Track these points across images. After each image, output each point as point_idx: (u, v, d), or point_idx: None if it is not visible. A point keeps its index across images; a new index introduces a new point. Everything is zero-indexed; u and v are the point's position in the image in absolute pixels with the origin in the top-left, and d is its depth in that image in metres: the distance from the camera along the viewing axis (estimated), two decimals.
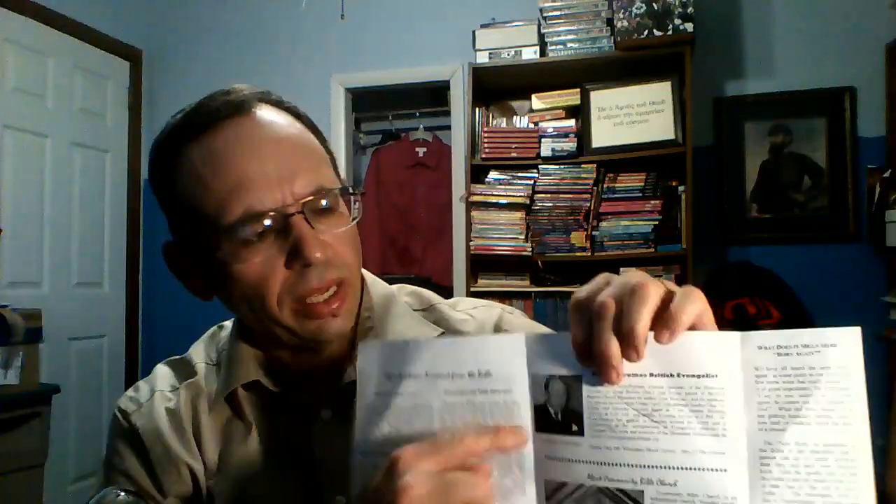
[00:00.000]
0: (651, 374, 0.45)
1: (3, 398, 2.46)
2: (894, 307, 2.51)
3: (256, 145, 0.62)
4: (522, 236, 2.78)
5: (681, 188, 2.66)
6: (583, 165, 2.75)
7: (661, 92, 2.69)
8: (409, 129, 3.90)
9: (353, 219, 0.67)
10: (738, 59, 2.95)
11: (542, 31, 2.80)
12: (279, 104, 0.68)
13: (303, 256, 0.60)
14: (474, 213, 2.84)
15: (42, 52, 3.16)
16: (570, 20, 2.77)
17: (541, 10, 2.80)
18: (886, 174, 2.59)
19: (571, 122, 2.80)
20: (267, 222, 0.60)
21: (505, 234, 2.80)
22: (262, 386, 0.70)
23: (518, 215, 2.78)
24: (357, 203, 0.67)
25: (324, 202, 0.63)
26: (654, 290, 0.44)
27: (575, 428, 0.46)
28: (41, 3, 3.11)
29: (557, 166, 2.78)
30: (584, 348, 0.45)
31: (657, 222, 2.63)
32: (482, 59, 2.87)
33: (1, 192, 2.92)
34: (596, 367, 0.45)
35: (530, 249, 2.76)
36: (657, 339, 0.44)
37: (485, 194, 2.82)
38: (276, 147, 0.63)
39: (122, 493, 0.60)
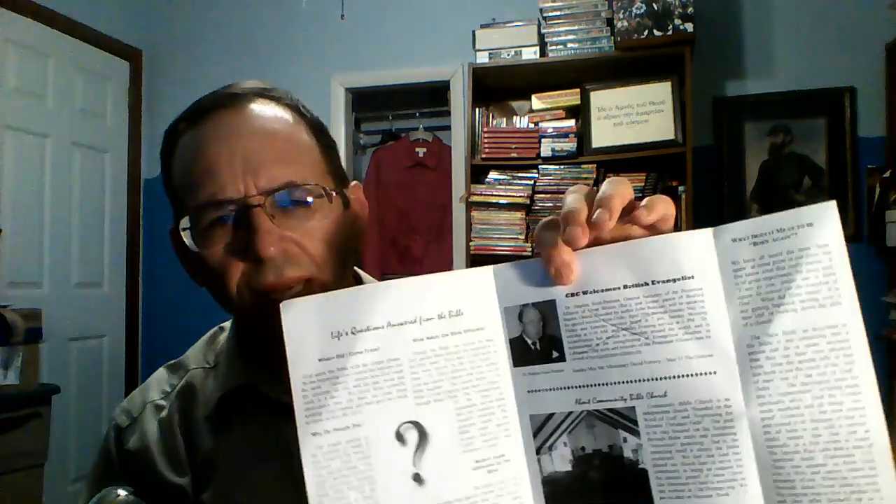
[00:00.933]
0: (625, 286, 0.43)
1: (3, 398, 2.46)
2: (894, 307, 2.51)
3: (230, 135, 0.63)
4: (522, 236, 2.78)
5: (681, 188, 2.66)
6: (583, 165, 2.75)
7: (661, 92, 2.68)
8: (409, 129, 3.90)
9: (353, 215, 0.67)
10: (738, 59, 2.95)
11: (542, 31, 2.80)
12: (278, 100, 0.68)
13: (253, 250, 0.60)
14: (474, 213, 2.84)
15: (42, 52, 3.16)
16: (570, 20, 2.77)
17: (541, 11, 2.80)
18: (886, 174, 2.59)
19: (571, 122, 2.80)
20: (226, 211, 0.61)
21: (505, 234, 2.80)
22: (257, 389, 0.69)
23: (518, 215, 2.79)
24: (331, 200, 0.64)
25: (291, 198, 0.62)
26: (630, 184, 0.45)
27: (556, 354, 0.45)
28: (41, 3, 3.11)
29: (557, 166, 2.78)
30: (553, 255, 0.43)
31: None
32: (482, 59, 2.87)
33: (1, 192, 2.92)
34: (562, 231, 0.43)
35: (530, 249, 2.76)
36: (636, 217, 0.44)
37: (485, 194, 2.82)
38: (249, 138, 0.63)
39: (123, 493, 0.60)
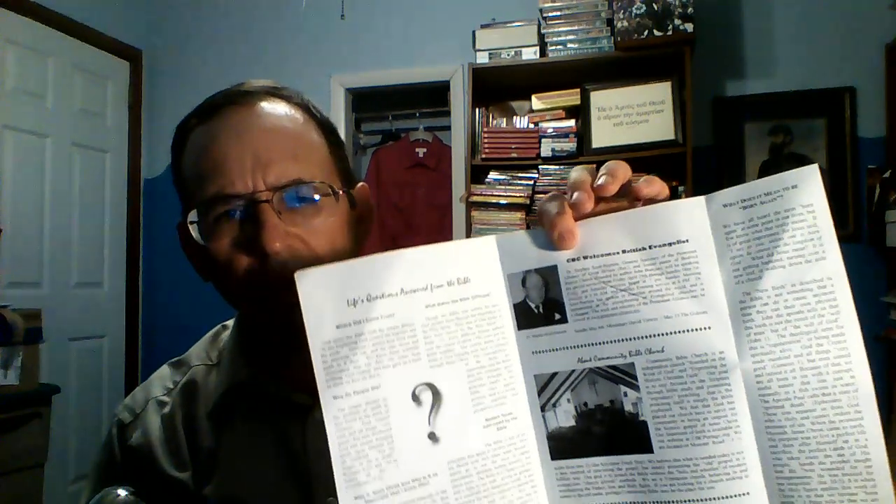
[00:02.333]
0: (624, 251, 0.46)
1: (3, 398, 2.46)
2: (894, 307, 2.51)
3: (241, 132, 0.64)
4: None
5: (681, 188, 2.66)
6: (583, 165, 2.74)
7: (661, 92, 2.68)
8: (409, 129, 3.90)
9: (356, 213, 0.67)
10: (738, 59, 2.95)
11: (542, 31, 2.80)
12: (289, 99, 0.69)
13: (259, 245, 0.60)
14: (474, 214, 2.84)
15: (42, 52, 3.16)
16: (570, 20, 2.77)
17: (541, 11, 2.80)
18: (886, 174, 2.59)
19: (571, 123, 2.80)
20: (234, 206, 0.62)
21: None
22: (258, 386, 0.70)
23: (518, 215, 2.78)
24: (338, 199, 0.65)
25: (299, 195, 0.63)
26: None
27: (558, 317, 0.47)
28: (41, 3, 3.11)
29: (557, 166, 2.78)
30: (557, 220, 0.46)
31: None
32: (482, 59, 2.87)
33: (1, 192, 2.92)
34: (569, 196, 0.47)
35: None
36: (637, 189, 0.47)
37: (485, 194, 2.82)
38: (259, 135, 0.64)
39: (123, 493, 0.60)
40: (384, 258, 0.47)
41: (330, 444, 0.44)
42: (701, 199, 0.44)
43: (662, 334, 0.45)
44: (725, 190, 0.44)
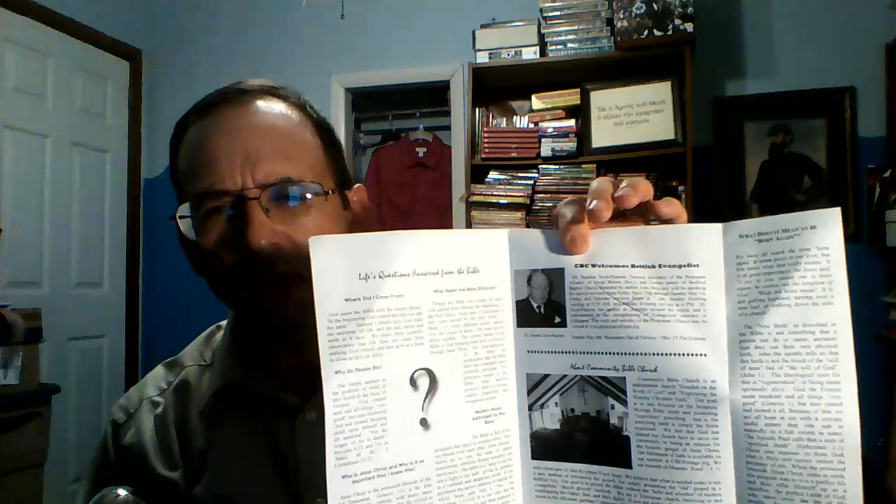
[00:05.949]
0: (633, 266, 0.46)
1: (3, 398, 2.46)
2: (894, 307, 2.50)
3: (233, 129, 0.65)
4: None
5: (681, 188, 2.66)
6: (583, 165, 2.75)
7: (661, 92, 2.68)
8: (409, 129, 3.90)
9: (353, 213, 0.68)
10: (738, 59, 2.95)
11: (542, 31, 2.80)
12: (286, 98, 0.69)
13: (245, 242, 0.61)
14: (474, 213, 2.84)
15: (42, 52, 3.16)
16: (570, 20, 2.77)
17: (541, 10, 2.80)
18: (886, 174, 2.59)
19: (571, 122, 2.80)
20: (224, 202, 0.63)
21: None
22: (250, 385, 0.70)
23: (518, 215, 2.78)
24: (327, 198, 0.66)
25: (287, 193, 0.63)
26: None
27: (557, 320, 0.47)
28: (41, 3, 3.11)
29: (557, 166, 2.78)
30: (572, 224, 0.46)
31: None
32: (482, 59, 2.87)
33: (1, 192, 2.92)
34: (588, 203, 0.46)
35: None
36: (655, 206, 0.47)
37: (485, 194, 2.82)
38: (251, 132, 0.64)
39: (123, 493, 0.60)
40: (400, 236, 0.46)
41: (326, 419, 0.43)
42: (719, 226, 0.44)
43: (658, 354, 0.45)
44: (744, 221, 0.44)
